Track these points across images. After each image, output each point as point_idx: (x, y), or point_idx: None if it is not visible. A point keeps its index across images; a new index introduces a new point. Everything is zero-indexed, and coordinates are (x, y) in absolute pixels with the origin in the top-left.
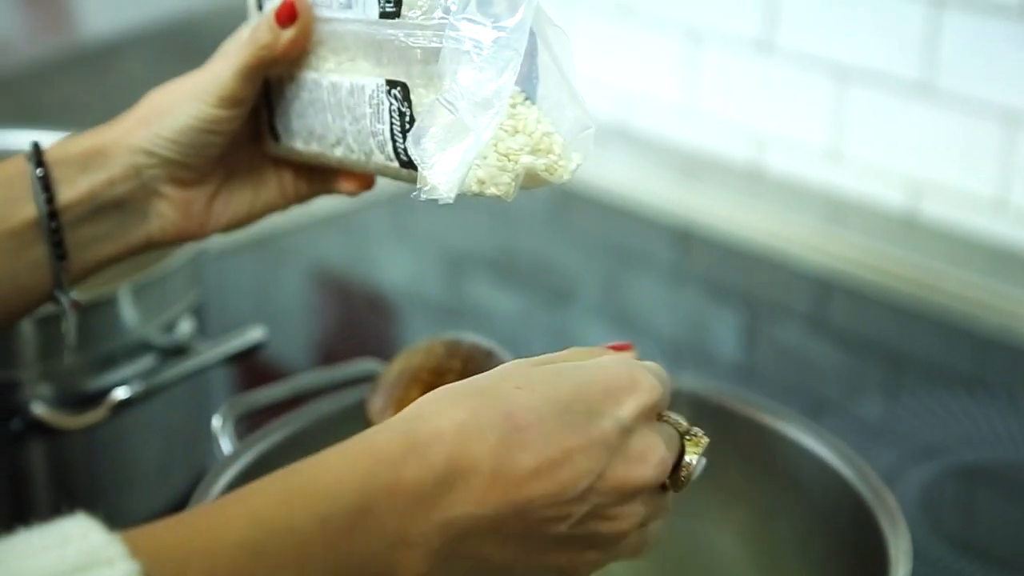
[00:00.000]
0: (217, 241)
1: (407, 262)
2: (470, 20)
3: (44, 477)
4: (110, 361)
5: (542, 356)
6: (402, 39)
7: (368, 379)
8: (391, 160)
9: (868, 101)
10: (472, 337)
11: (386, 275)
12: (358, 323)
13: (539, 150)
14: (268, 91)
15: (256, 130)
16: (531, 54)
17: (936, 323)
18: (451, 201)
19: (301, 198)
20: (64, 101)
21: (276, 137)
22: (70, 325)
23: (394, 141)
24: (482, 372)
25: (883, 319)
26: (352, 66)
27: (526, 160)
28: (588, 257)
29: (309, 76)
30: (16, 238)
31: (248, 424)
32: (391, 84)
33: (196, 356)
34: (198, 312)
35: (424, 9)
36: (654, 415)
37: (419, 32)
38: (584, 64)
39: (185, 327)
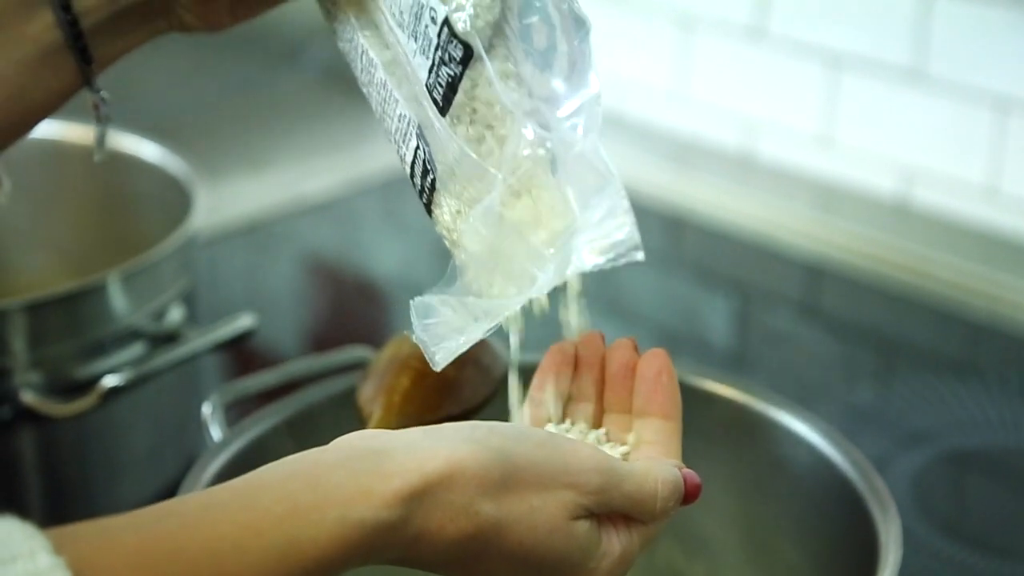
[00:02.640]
0: (208, 228)
1: (398, 249)
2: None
3: (34, 465)
4: (100, 348)
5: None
6: (438, 135)
7: (358, 366)
8: (407, 175)
9: (859, 88)
10: None
11: (377, 262)
12: (349, 310)
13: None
14: None
15: None
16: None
17: (927, 309)
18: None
19: None
20: None
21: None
22: (101, 122)
23: (412, 177)
24: (472, 359)
25: (874, 305)
26: (389, 65)
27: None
28: None
29: (350, 18)
30: (36, 44)
31: (238, 411)
32: (422, 132)
33: (186, 343)
34: (188, 299)
35: (475, 137)
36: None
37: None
38: None
39: (175, 314)
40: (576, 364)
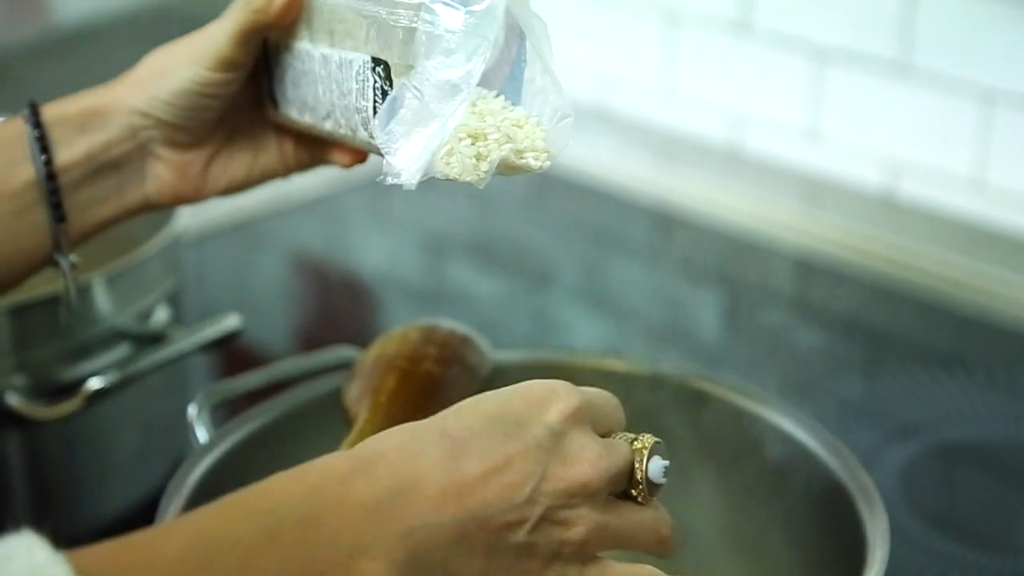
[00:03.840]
0: (193, 227)
1: (385, 247)
2: (445, 4)
3: (19, 468)
4: (85, 350)
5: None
6: (384, 16)
7: (345, 366)
8: (373, 138)
9: (845, 81)
10: (448, 323)
11: (364, 260)
12: (336, 309)
13: (513, 140)
14: (268, 57)
15: (258, 95)
16: (518, 40)
17: (914, 302)
18: (413, 187)
19: (301, 166)
20: (41, 87)
21: (275, 104)
22: (70, 288)
23: (377, 116)
24: (458, 358)
25: (861, 298)
26: (344, 40)
27: (499, 153)
28: (567, 240)
29: (303, 46)
30: (16, 200)
31: (225, 412)
32: (375, 61)
33: (172, 344)
34: (174, 300)
35: None
36: (582, 419)
37: (401, 11)
38: (562, 46)
39: (161, 315)
40: None
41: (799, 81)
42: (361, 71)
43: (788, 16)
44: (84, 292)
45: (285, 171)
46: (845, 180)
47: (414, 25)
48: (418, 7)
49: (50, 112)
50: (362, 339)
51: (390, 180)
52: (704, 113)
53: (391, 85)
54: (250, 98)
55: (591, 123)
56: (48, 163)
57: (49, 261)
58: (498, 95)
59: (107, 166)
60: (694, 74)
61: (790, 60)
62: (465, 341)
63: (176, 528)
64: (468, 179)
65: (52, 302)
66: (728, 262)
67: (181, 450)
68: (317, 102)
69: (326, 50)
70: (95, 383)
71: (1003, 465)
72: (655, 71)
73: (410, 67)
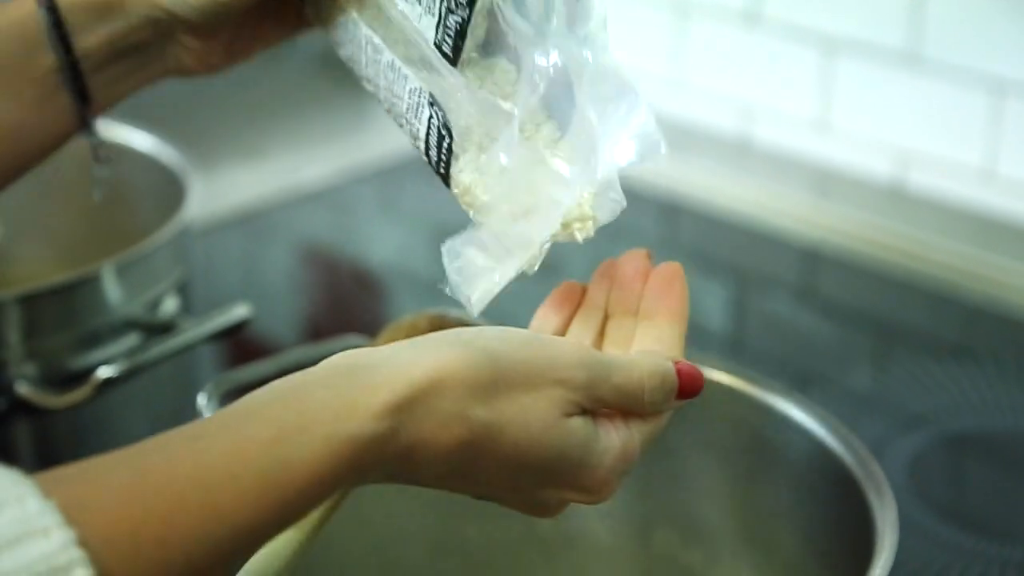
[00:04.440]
0: (202, 218)
1: (394, 237)
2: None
3: (29, 456)
4: (94, 339)
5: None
6: (453, 91)
7: None
8: (421, 155)
9: (855, 72)
10: (457, 312)
11: (373, 250)
12: (344, 299)
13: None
14: None
15: None
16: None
17: (923, 293)
18: (475, 315)
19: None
20: None
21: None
22: (99, 166)
23: (428, 151)
24: None
25: (871, 289)
26: (395, 45)
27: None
28: None
29: (350, 15)
30: (38, 85)
31: (234, 401)
32: (434, 99)
33: (181, 334)
34: (183, 289)
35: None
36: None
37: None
38: None
39: (170, 304)
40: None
41: (808, 72)
42: (416, 92)
43: (797, 7)
44: (93, 281)
45: (308, 28)
46: (855, 171)
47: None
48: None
49: (66, 0)
50: (371, 328)
51: (451, 294)
52: (713, 104)
53: (450, 136)
54: None
55: None
56: (69, 51)
57: (71, 137)
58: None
59: (128, 49)
60: (703, 65)
61: (799, 51)
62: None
63: (180, 471)
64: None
65: (62, 291)
66: (737, 253)
67: None
68: (361, 68)
69: (373, 37)
70: (105, 372)
71: (1012, 455)
72: (664, 62)
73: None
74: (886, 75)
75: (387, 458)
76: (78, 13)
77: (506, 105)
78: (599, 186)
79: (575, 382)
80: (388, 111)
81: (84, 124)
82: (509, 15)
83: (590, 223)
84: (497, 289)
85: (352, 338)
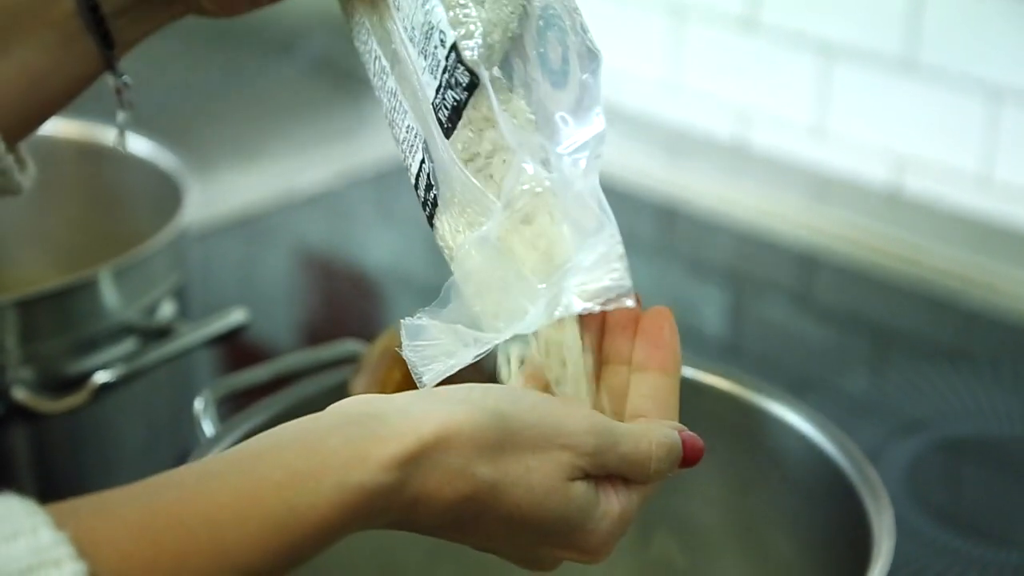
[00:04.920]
0: (199, 222)
1: (391, 241)
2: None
3: (26, 461)
4: (91, 344)
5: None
6: (442, 154)
7: (351, 360)
8: (412, 184)
9: (852, 77)
10: None
11: (370, 254)
12: (342, 303)
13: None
14: None
15: None
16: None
17: (920, 298)
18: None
19: None
20: None
21: None
22: (125, 105)
23: (416, 189)
24: None
25: (867, 294)
26: (401, 77)
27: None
28: None
29: (365, 24)
30: (59, 30)
31: (231, 406)
32: (428, 147)
33: (178, 338)
34: (180, 294)
35: (480, 167)
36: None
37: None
38: None
39: (167, 309)
40: (579, 319)
41: (806, 77)
42: (413, 131)
43: (795, 12)
44: (91, 286)
45: None
46: (851, 176)
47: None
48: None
49: None
50: (368, 333)
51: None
52: (711, 109)
53: (437, 185)
54: None
55: None
56: None
57: (96, 79)
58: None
59: None
60: (701, 70)
61: (797, 56)
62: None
63: (191, 509)
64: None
65: (59, 296)
66: (734, 258)
67: (187, 444)
68: (369, 73)
69: (383, 59)
70: (102, 377)
71: (1008, 460)
72: (662, 67)
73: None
74: (883, 81)
75: (392, 508)
76: None
77: (490, 196)
78: (557, 318)
79: (583, 448)
80: (388, 123)
81: (108, 66)
82: (516, 102)
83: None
84: (450, 372)
85: (349, 343)
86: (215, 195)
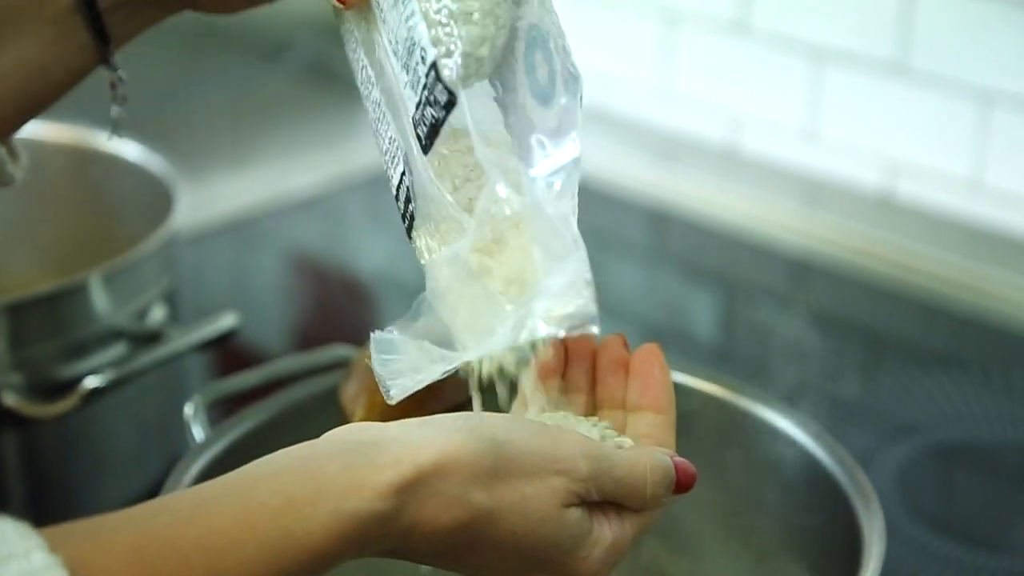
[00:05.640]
0: (190, 226)
1: (382, 246)
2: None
3: (16, 466)
4: (81, 349)
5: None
6: (419, 170)
7: (342, 365)
8: (392, 193)
9: (843, 82)
10: None
11: (361, 259)
12: (333, 308)
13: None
14: None
15: None
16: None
17: (912, 303)
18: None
19: None
20: None
21: None
22: (120, 102)
23: (397, 199)
24: None
25: (859, 299)
26: (386, 89)
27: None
28: None
29: (355, 33)
30: (56, 26)
31: (221, 411)
32: (408, 160)
33: (168, 343)
34: (170, 298)
35: (456, 188)
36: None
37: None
38: None
39: (157, 314)
40: (567, 358)
41: (797, 82)
42: (394, 143)
43: (786, 17)
44: (81, 291)
45: None
46: (843, 181)
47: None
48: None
49: None
50: (359, 338)
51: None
52: (702, 113)
53: (415, 199)
54: None
55: (590, 124)
56: None
57: (91, 72)
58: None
59: None
60: (692, 75)
61: (788, 61)
62: None
63: (186, 535)
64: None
65: (49, 300)
66: (726, 263)
67: (177, 448)
68: (356, 80)
69: (368, 68)
70: (92, 381)
71: (999, 465)
72: (654, 71)
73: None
74: (875, 85)
75: (388, 536)
76: None
77: (463, 216)
78: (522, 341)
79: (577, 473)
80: (372, 131)
81: (104, 61)
82: (490, 132)
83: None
84: (417, 387)
85: (340, 348)
86: (206, 199)
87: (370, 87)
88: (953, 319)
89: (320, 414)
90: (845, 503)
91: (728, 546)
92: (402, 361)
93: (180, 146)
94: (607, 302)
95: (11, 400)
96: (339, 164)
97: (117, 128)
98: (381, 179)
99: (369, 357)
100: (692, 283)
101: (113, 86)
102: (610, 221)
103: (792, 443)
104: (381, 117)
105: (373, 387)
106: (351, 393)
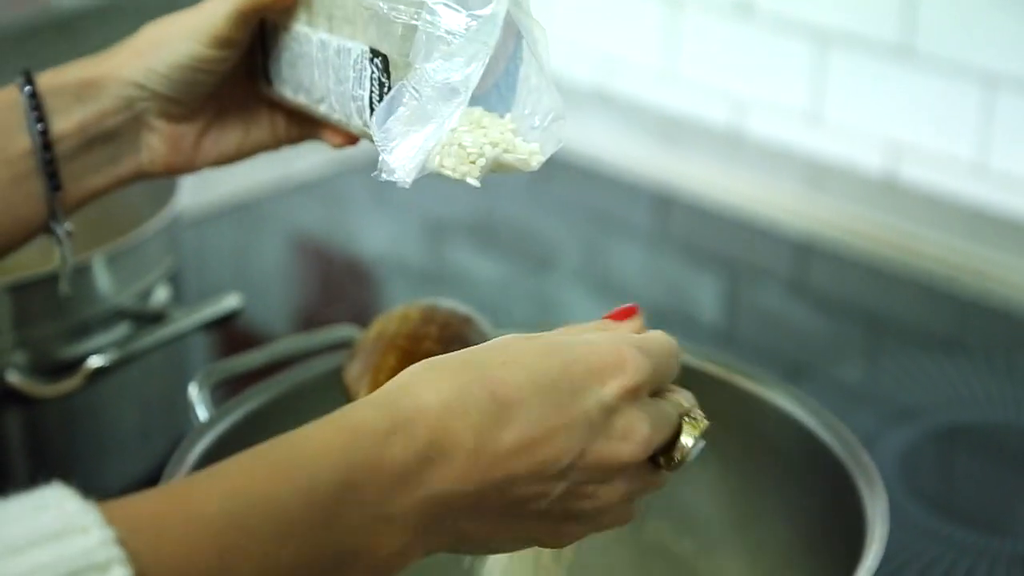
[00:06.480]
0: (194, 207)
1: (386, 228)
2: (447, 5)
3: (20, 446)
4: (85, 329)
5: (536, 334)
6: (384, 10)
7: (345, 345)
8: (367, 127)
9: (847, 64)
10: (448, 303)
11: (364, 241)
12: (336, 289)
13: (503, 146)
14: (264, 34)
15: (253, 69)
16: (515, 38)
17: (915, 286)
18: (407, 185)
19: (292, 140)
20: (38, 69)
21: (269, 81)
22: (66, 256)
23: (371, 109)
24: (459, 338)
25: (862, 282)
26: (343, 27)
27: (492, 152)
28: (568, 222)
29: (301, 28)
30: (11, 168)
31: (225, 391)
32: (374, 53)
33: (172, 323)
34: (174, 279)
35: None
36: (641, 394)
37: (402, 7)
38: (564, 29)
39: (161, 294)
40: None
41: (801, 64)
42: (359, 60)
43: (790, 0)
44: (84, 271)
45: (276, 145)
46: (847, 164)
47: (414, 22)
48: (420, 5)
49: (45, 81)
50: (361, 319)
51: (384, 177)
52: (706, 96)
53: (388, 77)
54: (245, 73)
55: (593, 106)
56: (44, 132)
57: (45, 229)
58: (502, 115)
59: (102, 136)
60: (696, 57)
61: (792, 44)
62: (466, 321)
63: (211, 483)
64: (463, 177)
65: (52, 280)
66: (729, 245)
67: (181, 429)
68: (312, 85)
69: (324, 35)
70: (95, 361)
71: (1002, 448)
72: (657, 54)
73: (408, 63)
74: (878, 68)
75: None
76: (57, 97)
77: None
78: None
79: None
80: (339, 117)
81: (52, 214)
82: None
83: (537, 155)
84: (426, 146)
85: (343, 328)
86: (209, 180)
87: (325, 51)
88: (956, 302)
89: (324, 394)
90: (849, 484)
91: (731, 526)
92: (398, 119)
93: None
94: (610, 284)
95: (15, 380)
96: None
97: (66, 279)
98: None
99: (381, 331)
100: (695, 265)
101: (60, 242)
102: (613, 204)
103: (796, 424)
104: (342, 60)
105: (377, 367)
106: (355, 373)
